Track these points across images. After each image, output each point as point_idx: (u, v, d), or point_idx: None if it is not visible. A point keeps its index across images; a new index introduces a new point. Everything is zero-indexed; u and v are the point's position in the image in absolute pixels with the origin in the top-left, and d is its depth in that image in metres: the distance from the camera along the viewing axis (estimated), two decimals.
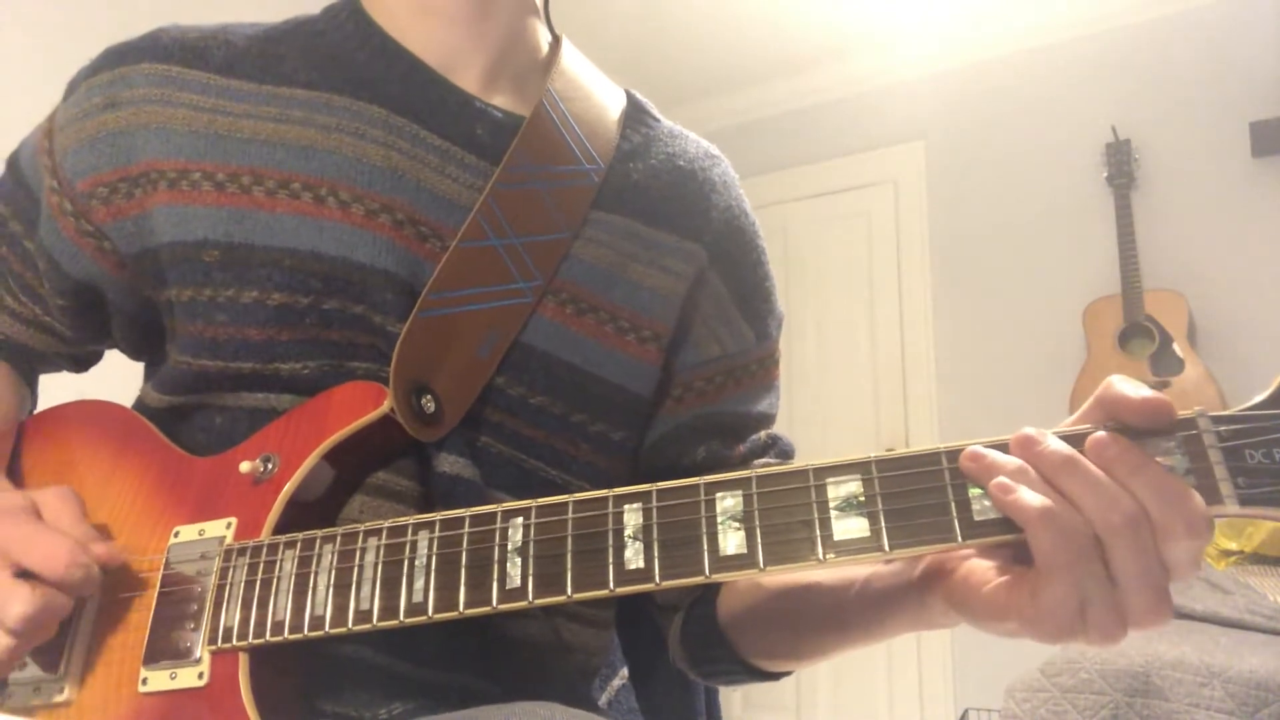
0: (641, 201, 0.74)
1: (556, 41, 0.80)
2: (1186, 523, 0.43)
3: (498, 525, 0.54)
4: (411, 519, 0.57)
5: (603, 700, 0.76)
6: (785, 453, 0.81)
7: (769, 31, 3.44)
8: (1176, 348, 2.81)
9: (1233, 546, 2.26)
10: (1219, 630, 1.81)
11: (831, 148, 3.69)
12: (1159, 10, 3.14)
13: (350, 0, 0.75)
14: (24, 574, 0.56)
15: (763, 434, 0.80)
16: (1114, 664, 1.69)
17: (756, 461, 0.78)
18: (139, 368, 0.79)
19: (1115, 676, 1.68)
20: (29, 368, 0.80)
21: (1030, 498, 0.45)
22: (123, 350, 0.78)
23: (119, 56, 0.71)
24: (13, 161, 0.76)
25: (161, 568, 0.61)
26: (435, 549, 0.55)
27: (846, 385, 3.54)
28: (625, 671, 0.80)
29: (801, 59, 3.61)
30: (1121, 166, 3.06)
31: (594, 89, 0.78)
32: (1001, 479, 0.46)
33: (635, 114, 0.79)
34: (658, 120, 0.81)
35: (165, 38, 0.71)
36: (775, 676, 0.72)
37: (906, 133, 3.55)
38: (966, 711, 2.93)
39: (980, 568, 0.51)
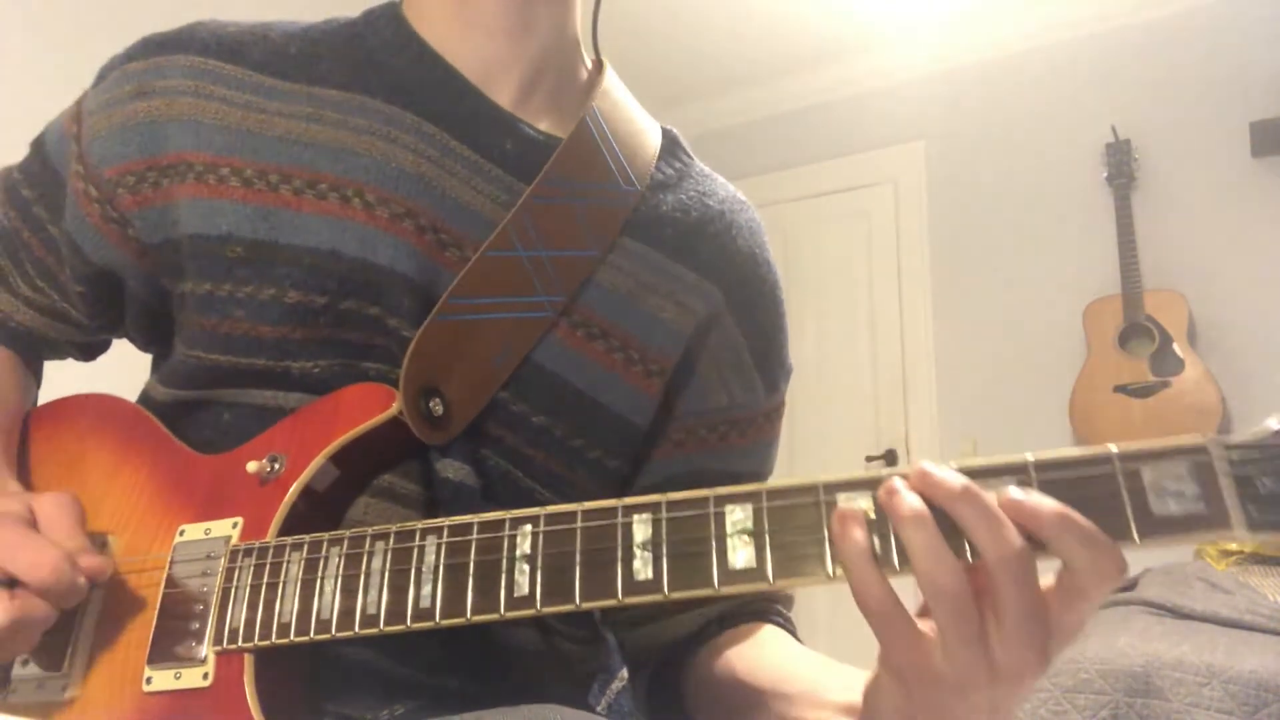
0: (668, 233, 0.73)
1: (599, 65, 0.80)
2: (1115, 566, 0.44)
3: (505, 533, 0.54)
4: (419, 524, 0.56)
5: (601, 704, 0.75)
6: None
7: (768, 32, 3.44)
8: (1176, 348, 2.81)
9: (1233, 547, 2.26)
10: (1219, 630, 1.81)
11: (831, 148, 3.69)
12: (1159, 10, 3.14)
13: (391, 6, 0.75)
14: (8, 581, 0.55)
15: None
16: (1114, 664, 1.69)
17: None
18: (146, 361, 0.79)
19: (1115, 676, 1.68)
20: (36, 356, 0.80)
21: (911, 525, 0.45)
22: (132, 340, 0.78)
23: (156, 47, 0.71)
24: (38, 144, 0.75)
25: (166, 566, 0.60)
26: (443, 555, 0.54)
27: (846, 385, 3.54)
28: (624, 674, 0.79)
29: (801, 59, 3.61)
30: (1121, 166, 3.06)
31: (634, 115, 0.78)
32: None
33: (671, 148, 0.79)
34: (691, 158, 0.81)
35: (202, 31, 0.71)
36: None
37: (906, 133, 3.55)
38: None
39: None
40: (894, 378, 3.47)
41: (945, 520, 0.45)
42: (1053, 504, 0.44)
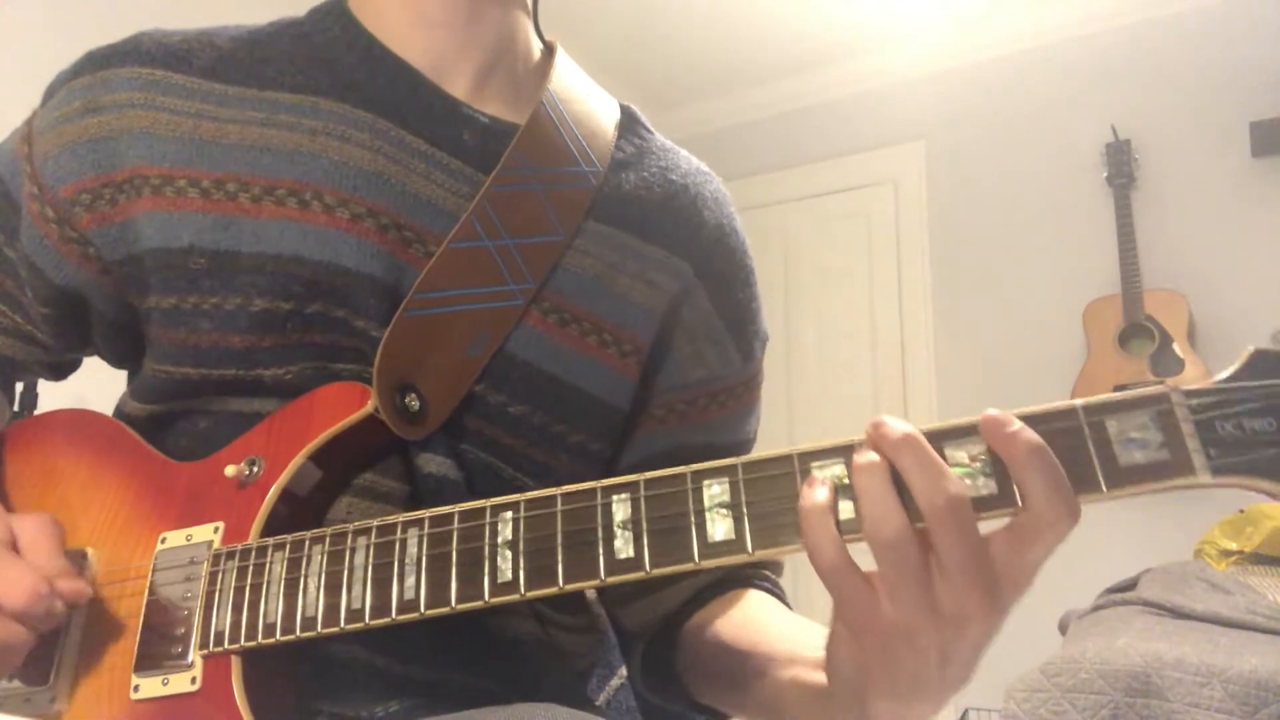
0: (633, 213, 0.73)
1: (550, 48, 0.80)
2: (1070, 510, 0.44)
3: (486, 520, 0.54)
4: (400, 517, 0.57)
5: (600, 700, 0.75)
6: None
7: (768, 32, 3.44)
8: (1176, 348, 2.80)
9: (1233, 546, 2.25)
10: (1219, 630, 1.80)
11: (831, 148, 3.69)
12: (1159, 10, 3.14)
13: (337, 3, 0.74)
14: None
15: None
16: (1114, 664, 1.69)
17: None
18: (124, 374, 0.78)
19: (1115, 676, 1.68)
20: (4, 377, 0.79)
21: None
22: (105, 358, 0.77)
23: (101, 60, 0.70)
24: None
25: (149, 574, 0.60)
26: (425, 546, 0.55)
27: (846, 385, 3.54)
28: (623, 671, 0.79)
29: (801, 59, 3.60)
30: (1121, 166, 3.05)
31: (589, 96, 0.78)
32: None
33: (629, 124, 0.79)
34: (651, 133, 0.81)
35: (147, 41, 0.70)
36: (724, 717, 0.74)
37: (906, 133, 3.55)
38: (966, 712, 2.92)
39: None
40: (894, 377, 3.46)
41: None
42: (1032, 434, 0.45)
